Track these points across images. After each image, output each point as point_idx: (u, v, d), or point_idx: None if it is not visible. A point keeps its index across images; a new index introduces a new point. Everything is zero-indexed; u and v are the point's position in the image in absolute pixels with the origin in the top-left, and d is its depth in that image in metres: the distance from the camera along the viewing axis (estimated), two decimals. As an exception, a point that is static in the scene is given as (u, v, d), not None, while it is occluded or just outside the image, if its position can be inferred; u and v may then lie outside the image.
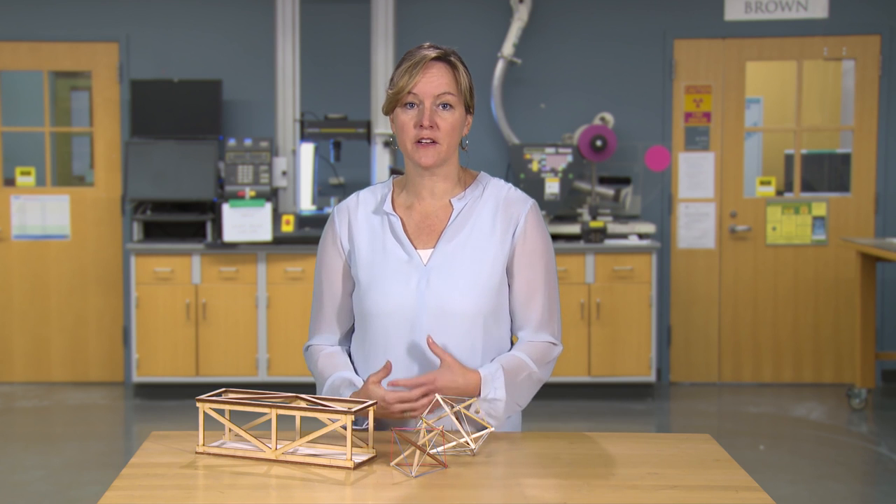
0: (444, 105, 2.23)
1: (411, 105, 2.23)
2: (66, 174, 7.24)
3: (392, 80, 2.25)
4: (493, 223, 2.29)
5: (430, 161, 2.24)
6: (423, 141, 2.22)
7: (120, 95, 6.78)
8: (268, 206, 6.12)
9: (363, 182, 6.53)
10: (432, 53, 2.22)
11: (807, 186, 6.92)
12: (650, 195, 6.81)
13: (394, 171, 6.10)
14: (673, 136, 6.79)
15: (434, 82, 2.21)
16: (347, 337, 2.40)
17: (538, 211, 2.34)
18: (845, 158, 6.89)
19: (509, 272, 2.30)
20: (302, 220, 6.18)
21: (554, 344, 2.36)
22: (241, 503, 1.81)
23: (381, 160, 6.26)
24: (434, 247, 2.28)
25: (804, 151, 6.93)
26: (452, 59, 2.25)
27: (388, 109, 2.27)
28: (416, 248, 2.28)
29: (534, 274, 2.30)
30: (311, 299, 2.43)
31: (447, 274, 2.24)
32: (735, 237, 6.82)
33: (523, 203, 2.32)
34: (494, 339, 2.29)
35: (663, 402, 6.42)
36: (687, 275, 6.83)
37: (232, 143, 6.24)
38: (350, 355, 2.37)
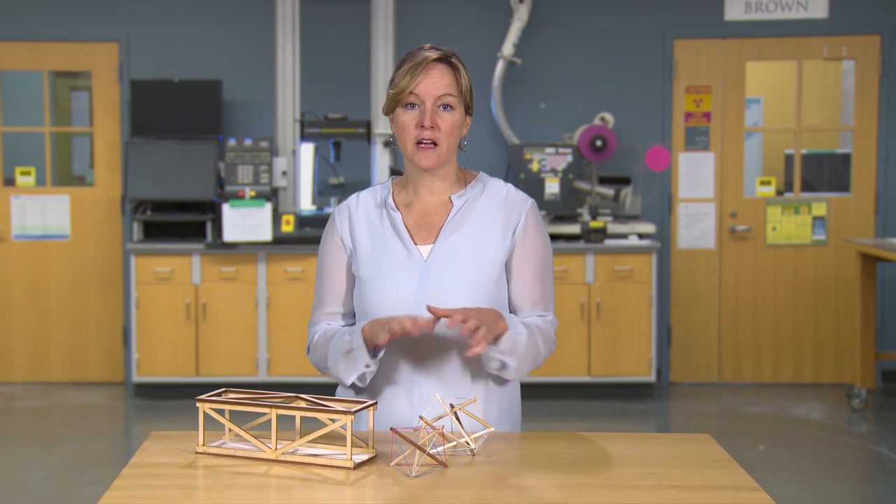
0: (445, 106, 2.25)
1: (412, 105, 2.25)
2: (66, 174, 7.24)
3: (393, 80, 2.27)
4: (494, 220, 2.31)
5: (430, 163, 2.26)
6: (424, 142, 2.25)
7: (120, 95, 6.78)
8: (268, 206, 6.12)
9: (363, 182, 6.53)
10: (434, 55, 2.24)
11: (807, 186, 6.92)
12: (650, 195, 6.81)
13: (394, 172, 6.10)
14: (673, 136, 6.79)
15: (435, 83, 2.23)
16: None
17: (537, 210, 2.37)
18: (845, 158, 6.89)
19: (508, 269, 2.32)
20: (302, 220, 6.18)
21: (550, 319, 2.36)
22: (241, 503, 1.81)
23: (381, 160, 6.26)
24: (434, 242, 2.30)
25: (804, 151, 6.93)
26: (453, 60, 2.27)
27: (389, 110, 2.29)
28: (416, 244, 2.30)
29: (532, 270, 2.33)
30: (311, 299, 2.44)
31: (447, 269, 2.26)
32: (735, 237, 6.82)
33: (523, 202, 2.35)
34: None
35: (663, 402, 6.42)
36: (687, 275, 6.83)
37: (232, 143, 6.25)
38: None
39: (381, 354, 2.21)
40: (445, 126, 2.25)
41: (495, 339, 2.18)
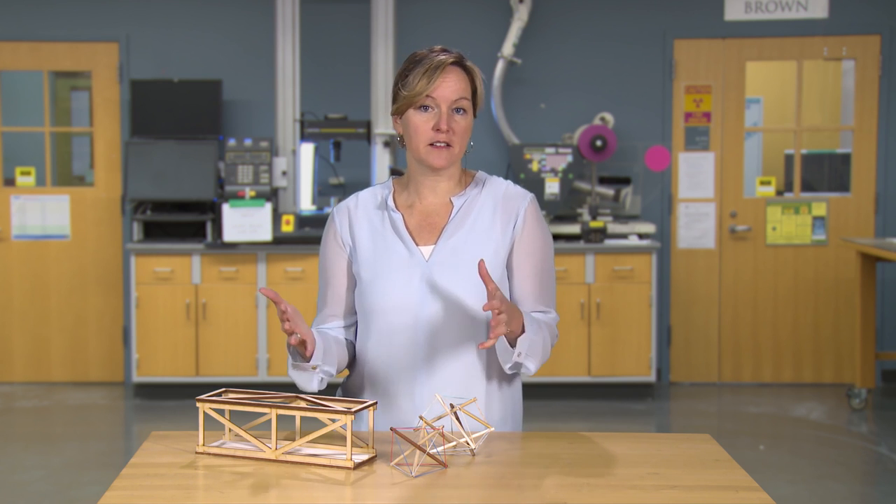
0: (458, 109, 2.26)
1: (426, 108, 2.25)
2: (66, 174, 7.24)
3: (406, 82, 2.26)
4: (494, 218, 2.32)
5: (443, 163, 2.27)
6: (438, 144, 2.25)
7: (120, 95, 6.78)
8: (268, 206, 6.12)
9: (363, 182, 6.53)
10: (450, 58, 2.25)
11: (807, 186, 6.92)
12: (650, 195, 6.81)
13: (394, 172, 6.10)
14: (673, 136, 6.79)
15: (452, 87, 2.25)
16: (351, 333, 2.40)
17: (537, 204, 2.37)
18: (845, 158, 6.89)
19: (510, 265, 2.33)
20: (302, 220, 6.18)
21: (553, 317, 2.36)
22: (240, 503, 1.81)
23: (381, 160, 6.26)
24: (435, 243, 2.30)
25: (804, 151, 6.93)
26: (468, 64, 2.28)
27: (400, 111, 2.28)
28: (417, 245, 2.30)
29: (533, 266, 2.33)
30: (311, 299, 2.44)
31: (449, 269, 2.26)
32: (735, 237, 6.82)
33: (522, 197, 2.35)
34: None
35: (663, 402, 6.42)
36: (687, 275, 6.83)
37: (232, 143, 6.25)
38: (354, 351, 2.38)
39: (315, 355, 2.18)
40: (459, 129, 2.26)
41: (512, 340, 2.18)
